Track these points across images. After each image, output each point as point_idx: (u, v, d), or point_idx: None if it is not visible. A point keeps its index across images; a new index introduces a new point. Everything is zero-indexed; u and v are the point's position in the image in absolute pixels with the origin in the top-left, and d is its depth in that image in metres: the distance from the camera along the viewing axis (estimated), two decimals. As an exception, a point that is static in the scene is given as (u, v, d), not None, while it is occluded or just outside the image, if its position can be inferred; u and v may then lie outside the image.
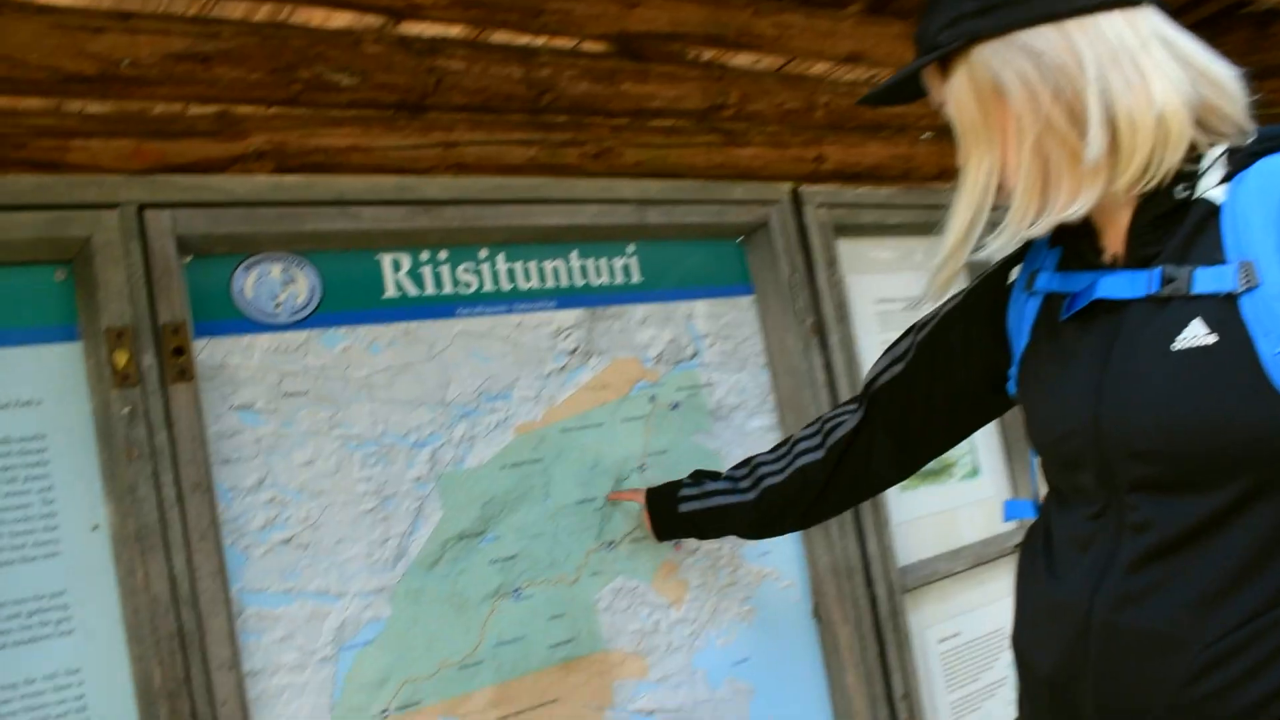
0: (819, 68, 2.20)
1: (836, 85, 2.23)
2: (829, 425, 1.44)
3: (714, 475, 1.59)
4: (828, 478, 1.42)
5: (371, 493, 1.49)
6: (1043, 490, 1.21)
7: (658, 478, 1.76)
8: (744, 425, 1.92)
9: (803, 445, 1.46)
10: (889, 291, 2.26)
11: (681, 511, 1.57)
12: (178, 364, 1.34)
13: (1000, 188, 1.03)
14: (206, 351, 1.40)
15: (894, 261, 2.31)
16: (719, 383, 1.90)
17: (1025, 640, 1.16)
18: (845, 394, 1.98)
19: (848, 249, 2.18)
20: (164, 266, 1.35)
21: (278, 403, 1.44)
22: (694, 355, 1.88)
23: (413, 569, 1.51)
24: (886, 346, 1.40)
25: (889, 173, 2.27)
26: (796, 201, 2.05)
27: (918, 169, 2.34)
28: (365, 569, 1.48)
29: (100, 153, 1.36)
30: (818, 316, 2.01)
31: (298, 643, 1.41)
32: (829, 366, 2.00)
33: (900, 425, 1.37)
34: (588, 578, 1.67)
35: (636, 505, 1.68)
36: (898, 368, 1.36)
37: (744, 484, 1.51)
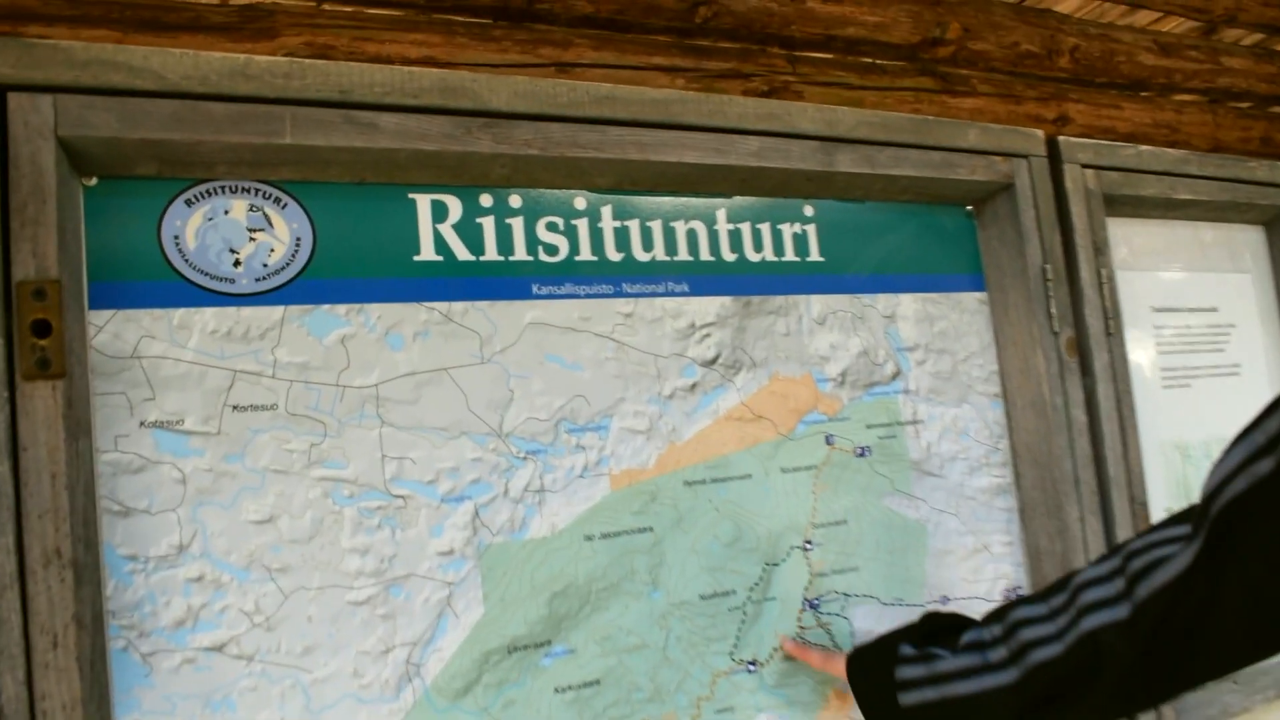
0: (1068, 2, 1.57)
1: (1088, 27, 1.58)
2: (1137, 560, 0.81)
3: (949, 628, 0.97)
4: (1139, 652, 0.79)
5: (369, 573, 0.93)
6: None
7: (831, 561, 1.15)
8: (963, 485, 1.29)
9: (1092, 593, 0.84)
10: (1173, 298, 1.59)
11: (904, 705, 0.94)
12: (37, 350, 0.80)
13: None
14: (108, 332, 0.86)
15: (1180, 252, 1.63)
16: (929, 420, 1.28)
17: None
18: (1114, 444, 1.33)
19: (1118, 231, 1.53)
20: (34, 187, 0.81)
21: (224, 420, 0.89)
22: (894, 376, 1.26)
23: (428, 699, 0.94)
24: (1251, 423, 0.76)
25: (1148, 144, 1.62)
26: (1053, 156, 1.41)
27: (1185, 140, 1.67)
28: (349, 697, 0.92)
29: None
30: (1079, 328, 1.36)
31: (225, 815, 0.87)
32: (1092, 402, 1.35)
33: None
34: (712, 716, 1.08)
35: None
36: None
37: (995, 654, 0.89)
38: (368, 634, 0.93)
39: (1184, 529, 0.81)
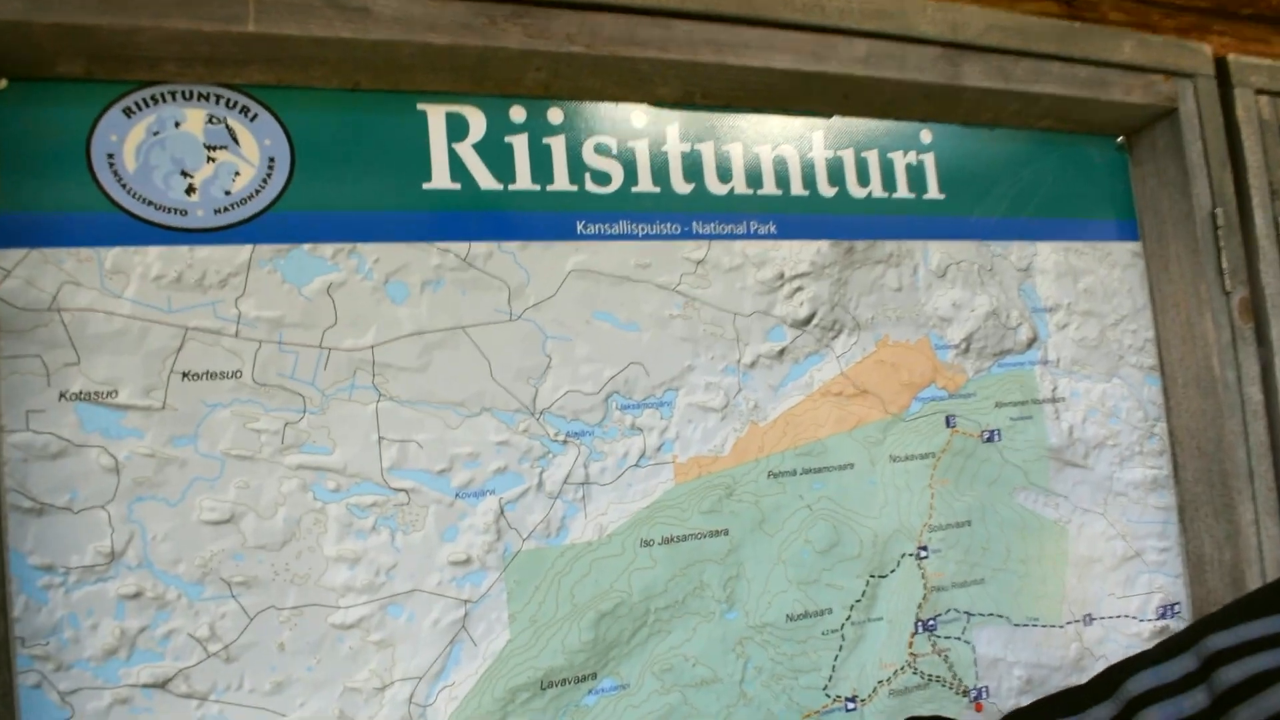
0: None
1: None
2: (1229, 669, 0.57)
3: None
4: None
5: (360, 588, 0.73)
6: None
7: (952, 572, 0.93)
8: (1112, 479, 1.04)
9: (1157, 714, 0.59)
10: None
11: None
12: (-92, 296, 0.61)
13: None
14: (19, 277, 0.66)
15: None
16: (1072, 397, 1.03)
17: None
18: (1301, 431, 1.08)
19: (1299, 175, 1.27)
20: (-90, 82, 0.61)
21: (170, 392, 0.69)
22: (1030, 343, 1.02)
23: (437, 748, 0.74)
24: None
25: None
26: (1222, 78, 1.15)
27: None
28: (333, 747, 0.71)
29: None
30: (1254, 288, 1.10)
31: None
32: (1270, 379, 1.09)
33: None
34: (801, 767, 0.86)
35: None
36: None
37: None
38: (358, 666, 0.72)
39: None
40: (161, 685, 0.67)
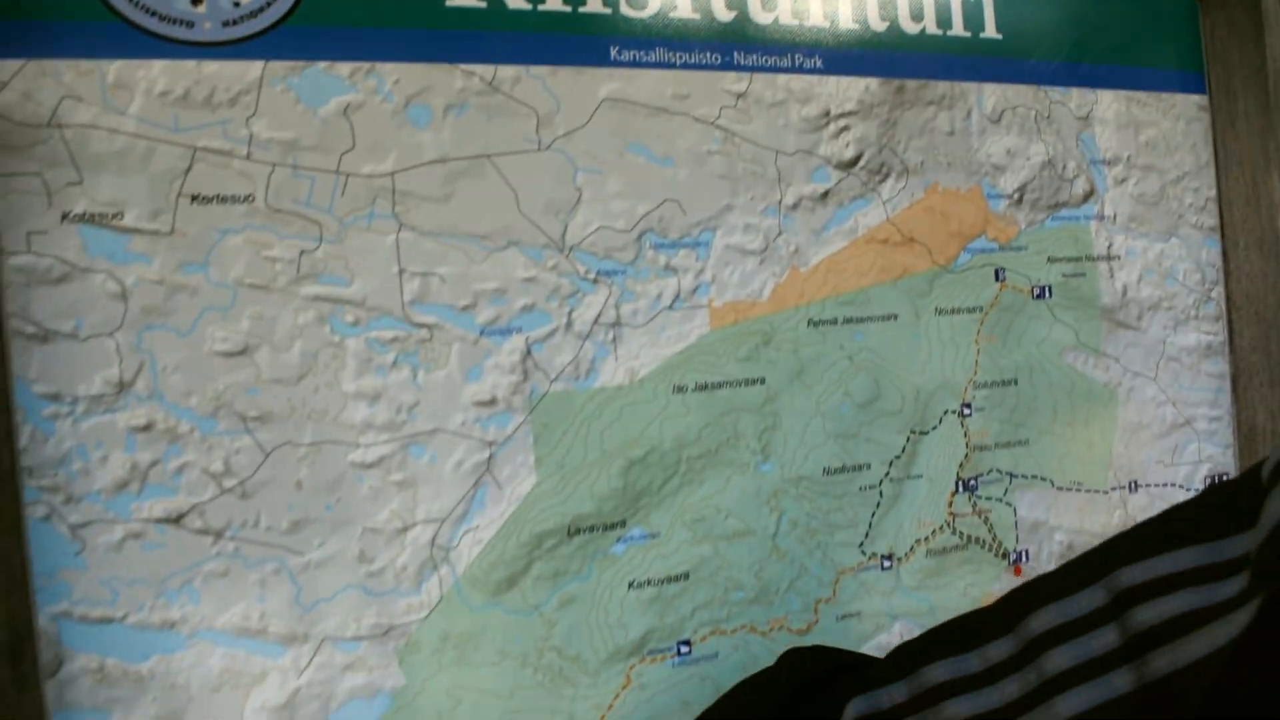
0: None
1: None
2: (1144, 609, 0.49)
3: (826, 675, 0.64)
4: None
5: (381, 427, 0.70)
6: None
7: (995, 431, 0.89)
8: (1165, 343, 1.00)
9: (1066, 653, 0.51)
10: None
11: None
12: (-107, 98, 0.57)
13: None
14: (16, 90, 0.62)
15: None
16: (1128, 256, 0.98)
17: None
18: (1366, 296, 1.03)
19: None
20: None
21: (179, 215, 0.65)
22: (1087, 197, 0.96)
23: (460, 593, 0.71)
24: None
25: None
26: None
27: None
28: (353, 588, 0.69)
29: None
30: (1327, 144, 1.04)
31: (190, 736, 0.65)
32: (1338, 241, 1.04)
33: None
34: (833, 624, 0.83)
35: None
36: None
37: None
38: (379, 506, 0.69)
39: (1212, 552, 0.50)
40: (175, 520, 0.65)
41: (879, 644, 0.85)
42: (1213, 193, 1.03)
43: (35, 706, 0.61)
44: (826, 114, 0.83)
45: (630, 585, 0.76)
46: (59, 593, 0.63)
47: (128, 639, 0.64)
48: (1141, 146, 0.99)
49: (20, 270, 0.62)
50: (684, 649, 0.78)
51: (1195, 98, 1.03)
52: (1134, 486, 0.97)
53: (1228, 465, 1.03)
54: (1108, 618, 0.51)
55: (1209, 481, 1.02)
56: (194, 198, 0.65)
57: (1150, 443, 0.98)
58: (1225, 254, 1.04)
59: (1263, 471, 0.48)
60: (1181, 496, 1.00)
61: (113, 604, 0.64)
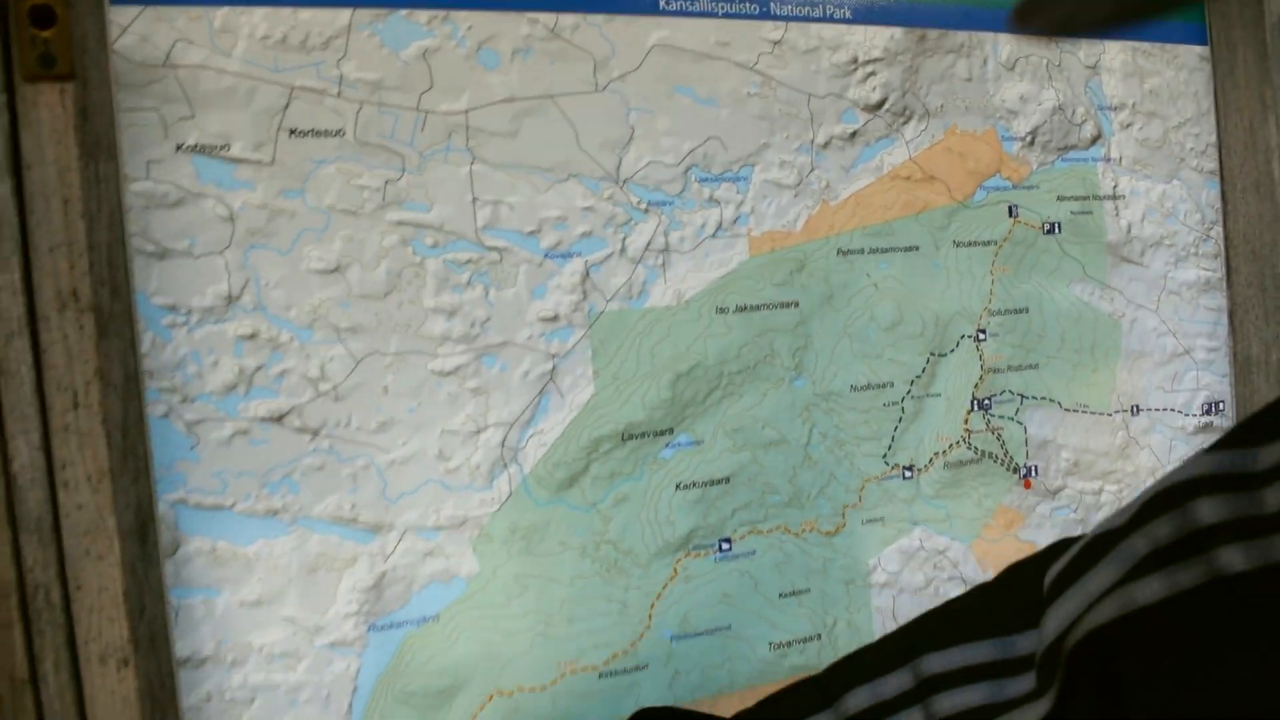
0: None
1: None
2: (944, 697, 0.59)
3: None
4: None
5: (457, 338, 0.77)
6: None
7: (1008, 355, 0.97)
8: (1166, 277, 1.07)
9: None
10: None
11: None
12: (38, 43, 0.64)
13: None
14: (135, 33, 0.69)
15: None
16: (1132, 195, 1.05)
17: None
18: (1356, 235, 1.10)
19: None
20: None
21: (279, 147, 0.73)
22: (1094, 140, 1.03)
23: (527, 490, 0.79)
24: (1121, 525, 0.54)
25: None
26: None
27: None
28: (432, 483, 0.77)
29: None
30: (1321, 92, 1.11)
31: (288, 610, 0.73)
32: (1330, 184, 1.10)
33: None
34: (859, 527, 0.91)
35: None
36: None
37: None
38: (455, 410, 0.77)
39: (1004, 648, 0.57)
40: (277, 419, 0.73)
41: (900, 548, 0.93)
42: (1213, 138, 1.10)
43: (157, 582, 0.69)
44: (855, 60, 0.91)
45: (677, 487, 0.84)
46: (176, 482, 0.71)
47: (236, 525, 0.72)
48: (1146, 94, 1.06)
49: (140, 195, 0.69)
50: (725, 546, 0.86)
51: (1197, 49, 1.10)
52: (1135, 410, 1.05)
53: (1224, 393, 1.10)
54: (913, 701, 0.58)
55: (1206, 409, 1.09)
56: (291, 131, 0.73)
57: (1151, 370, 1.06)
58: (1224, 195, 1.11)
59: (1047, 577, 0.56)
60: (1182, 422, 1.07)
61: (222, 493, 0.72)
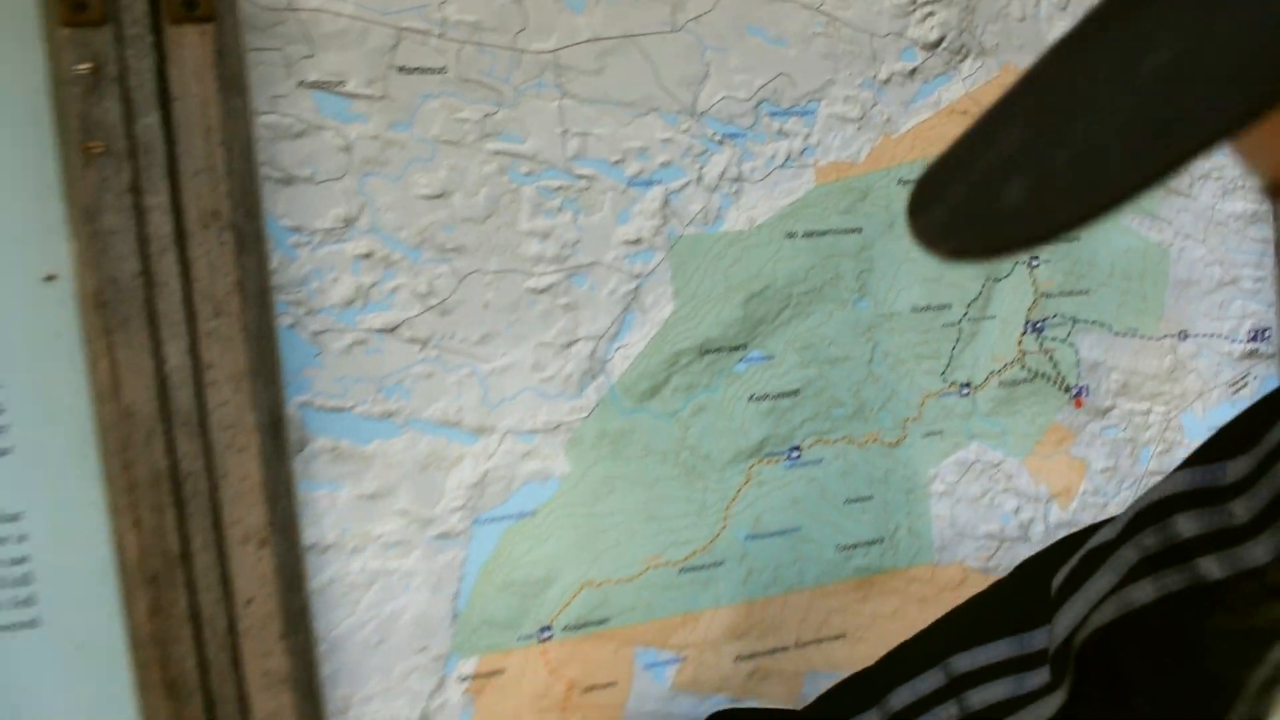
0: None
1: None
2: (975, 692, 0.72)
3: None
4: None
5: (550, 259, 0.85)
6: None
7: (1060, 281, 1.02)
8: (1214, 209, 1.12)
9: None
10: None
11: None
12: (184, -13, 0.72)
13: None
14: (262, -23, 0.77)
15: None
16: (1180, 129, 1.10)
17: None
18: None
19: None
20: None
21: (389, 83, 0.80)
22: (1143, 76, 1.08)
23: (614, 398, 0.87)
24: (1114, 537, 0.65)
25: None
26: None
27: None
28: (529, 391, 0.85)
29: None
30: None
31: (401, 503, 0.81)
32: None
33: None
34: (919, 440, 0.98)
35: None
36: None
37: None
38: (549, 325, 0.85)
39: (1022, 644, 0.67)
40: (390, 331, 0.81)
41: (957, 460, 0.99)
42: (1260, 75, 1.14)
43: (287, 476, 0.77)
44: (913, 1, 0.96)
45: (750, 398, 0.91)
46: (302, 386, 0.79)
47: (355, 425, 0.80)
48: (1195, 32, 1.10)
49: (267, 127, 0.77)
50: (794, 454, 0.93)
51: (1245, -12, 1.14)
52: (1183, 335, 1.10)
53: (1270, 321, 1.15)
54: (947, 697, 0.68)
55: (1252, 335, 1.14)
56: (400, 69, 0.80)
57: (1198, 298, 1.11)
58: (1271, 131, 1.15)
59: (1054, 582, 0.65)
60: (1228, 348, 1.12)
61: (343, 397, 0.80)
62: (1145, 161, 0.24)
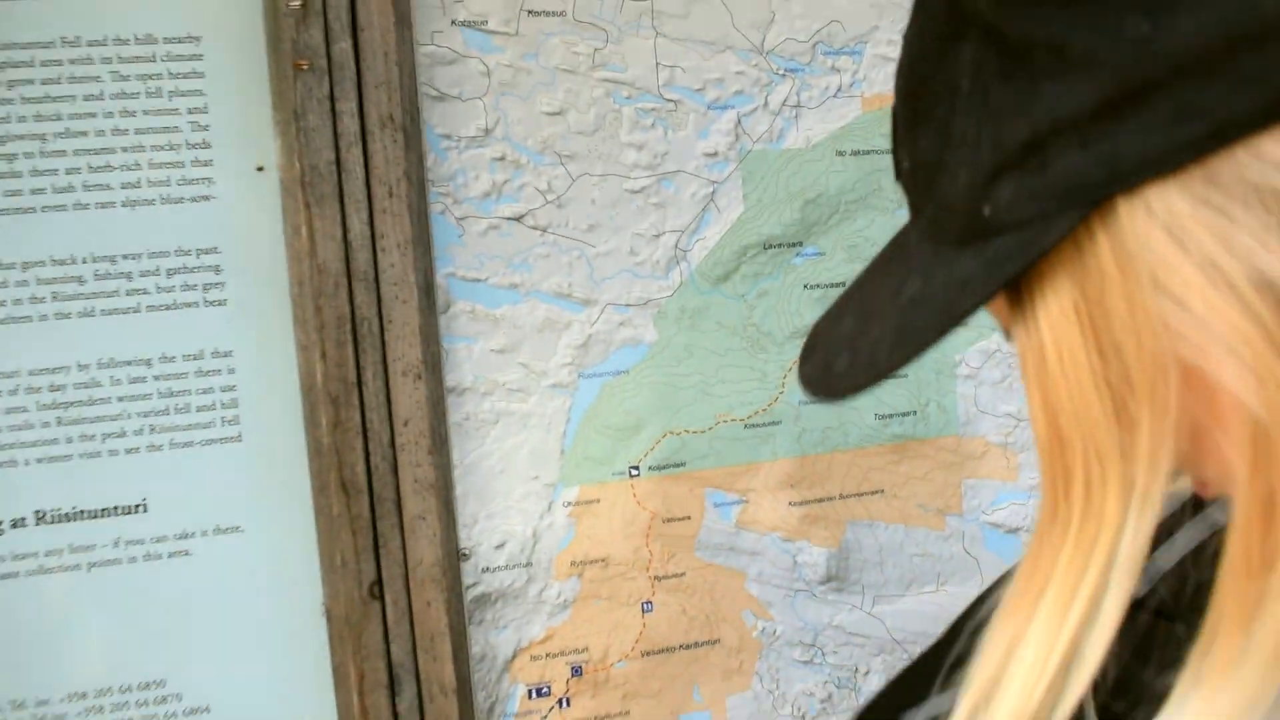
0: None
1: None
2: None
3: None
4: None
5: (644, 166, 1.05)
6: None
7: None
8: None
9: None
10: None
11: None
12: (370, -59, 0.94)
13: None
14: (425, -63, 0.99)
15: None
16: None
17: None
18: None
19: None
20: None
21: (520, 23, 1.01)
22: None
23: (693, 281, 1.07)
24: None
25: None
26: None
27: None
28: (625, 272, 1.05)
29: None
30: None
31: (522, 357, 1.03)
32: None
33: None
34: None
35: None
36: None
37: None
38: (642, 219, 1.05)
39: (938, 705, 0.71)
40: (518, 219, 1.02)
41: (981, 348, 1.18)
42: None
43: (435, 328, 0.99)
44: (949, -37, 1.15)
45: (805, 286, 1.11)
46: (448, 261, 1.00)
47: (488, 293, 1.02)
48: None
49: (427, 55, 0.99)
50: (841, 335, 1.12)
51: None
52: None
53: None
54: None
55: None
56: (530, 11, 1.01)
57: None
58: None
59: (946, 657, 0.68)
60: None
61: (479, 269, 1.01)
62: (898, 353, 0.45)
